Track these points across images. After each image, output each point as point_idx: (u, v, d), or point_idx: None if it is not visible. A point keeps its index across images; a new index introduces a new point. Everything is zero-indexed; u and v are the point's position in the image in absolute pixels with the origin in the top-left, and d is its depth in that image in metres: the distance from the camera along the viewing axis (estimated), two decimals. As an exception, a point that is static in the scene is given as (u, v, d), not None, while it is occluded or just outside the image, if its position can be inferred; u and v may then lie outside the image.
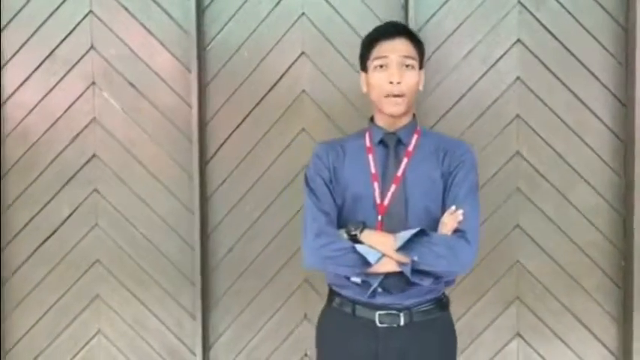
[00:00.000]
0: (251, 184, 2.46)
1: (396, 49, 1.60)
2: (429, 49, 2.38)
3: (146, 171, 2.49)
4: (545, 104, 2.39)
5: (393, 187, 1.60)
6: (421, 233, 1.52)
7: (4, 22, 2.46)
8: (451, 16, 2.39)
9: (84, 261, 2.51)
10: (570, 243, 2.41)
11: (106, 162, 2.49)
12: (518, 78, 2.39)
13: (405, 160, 1.63)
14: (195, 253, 2.44)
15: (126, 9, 2.45)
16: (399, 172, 1.62)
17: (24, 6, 2.46)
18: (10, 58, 2.47)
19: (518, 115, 2.39)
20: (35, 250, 2.52)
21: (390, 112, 1.63)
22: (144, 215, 2.49)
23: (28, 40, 2.47)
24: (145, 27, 2.46)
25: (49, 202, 2.50)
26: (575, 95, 2.38)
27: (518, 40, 2.38)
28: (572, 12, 2.36)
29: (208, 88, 2.46)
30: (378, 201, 1.60)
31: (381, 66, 1.61)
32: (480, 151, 2.38)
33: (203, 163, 2.45)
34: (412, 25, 2.31)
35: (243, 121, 2.45)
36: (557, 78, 2.37)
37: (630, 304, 2.34)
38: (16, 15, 2.46)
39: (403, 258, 1.51)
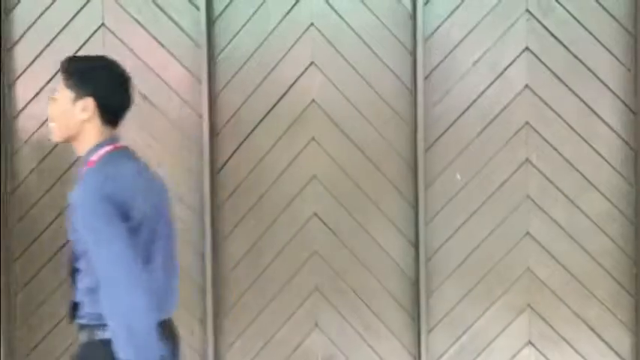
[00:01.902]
0: (261, 193, 2.48)
1: None
2: (436, 58, 2.40)
3: (157, 181, 2.50)
4: (555, 112, 2.39)
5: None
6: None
7: (17, 36, 2.50)
8: (459, 25, 2.40)
9: (96, 271, 2.53)
10: (581, 250, 2.40)
11: (118, 172, 2.51)
12: (526, 86, 2.39)
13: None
14: (206, 262, 2.46)
15: (137, 21, 2.48)
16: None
17: (37, 19, 2.50)
18: (24, 71, 2.50)
19: (527, 123, 2.40)
20: (48, 261, 2.54)
21: None
22: (155, 225, 2.51)
23: (41, 52, 2.50)
24: (155, 39, 2.48)
25: (62, 212, 2.52)
26: (585, 102, 2.38)
27: (527, 48, 2.38)
28: (580, 19, 2.37)
29: (219, 99, 2.48)
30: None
31: None
32: (490, 158, 2.39)
33: (214, 172, 2.47)
34: (420, 35, 2.32)
35: (253, 130, 2.47)
36: (566, 85, 2.38)
37: (643, 312, 2.33)
38: (29, 28, 2.50)
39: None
